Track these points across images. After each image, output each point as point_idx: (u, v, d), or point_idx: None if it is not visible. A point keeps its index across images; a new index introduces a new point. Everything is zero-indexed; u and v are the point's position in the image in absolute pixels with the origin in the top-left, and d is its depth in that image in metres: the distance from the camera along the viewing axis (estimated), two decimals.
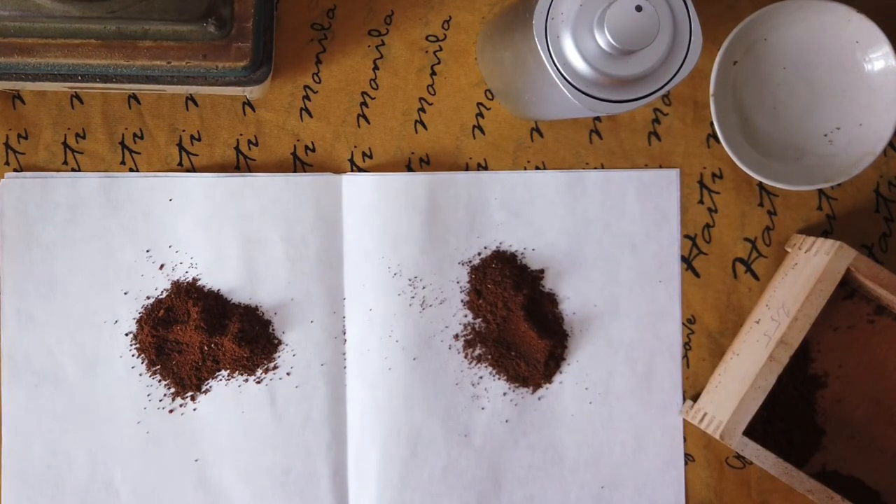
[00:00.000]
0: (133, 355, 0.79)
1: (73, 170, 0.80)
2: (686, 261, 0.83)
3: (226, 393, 0.79)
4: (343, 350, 0.80)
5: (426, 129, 0.82)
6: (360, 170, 0.81)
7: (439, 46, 0.82)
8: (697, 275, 0.83)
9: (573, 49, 0.62)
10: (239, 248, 0.80)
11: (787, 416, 0.81)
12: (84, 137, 0.80)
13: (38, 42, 0.68)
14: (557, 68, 0.63)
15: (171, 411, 0.79)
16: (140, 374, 0.79)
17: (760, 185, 0.83)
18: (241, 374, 0.79)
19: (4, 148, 0.79)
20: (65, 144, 0.80)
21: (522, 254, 0.82)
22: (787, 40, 0.82)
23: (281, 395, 0.79)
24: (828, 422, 0.82)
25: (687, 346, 0.83)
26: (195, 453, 0.79)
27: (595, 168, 0.82)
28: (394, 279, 0.80)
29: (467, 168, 0.82)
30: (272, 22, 0.73)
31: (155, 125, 0.80)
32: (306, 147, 0.81)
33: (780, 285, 0.80)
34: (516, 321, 0.80)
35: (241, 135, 0.81)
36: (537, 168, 0.82)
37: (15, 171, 0.79)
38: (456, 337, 0.81)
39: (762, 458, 0.75)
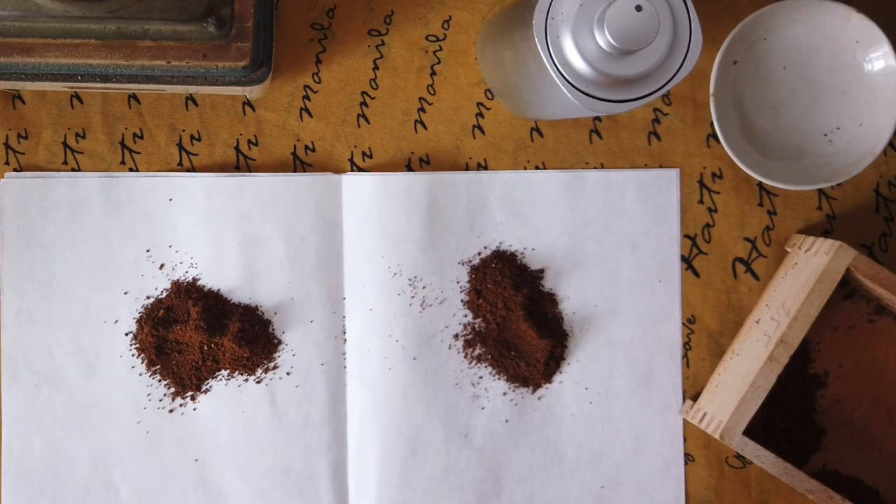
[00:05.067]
0: (133, 355, 0.79)
1: (73, 170, 0.80)
2: (686, 261, 0.83)
3: (226, 393, 0.79)
4: (343, 350, 0.80)
5: (426, 128, 0.82)
6: (360, 170, 0.81)
7: (439, 46, 0.82)
8: (697, 275, 0.83)
9: (573, 49, 0.62)
10: (239, 247, 0.80)
11: (787, 416, 0.81)
12: (84, 137, 0.80)
13: (38, 42, 0.68)
14: (557, 68, 0.63)
15: (171, 411, 0.79)
16: (140, 374, 0.79)
17: (760, 184, 0.83)
18: (241, 374, 0.79)
19: (4, 148, 0.79)
20: (65, 144, 0.80)
21: (522, 254, 0.82)
22: (787, 40, 0.82)
23: (281, 395, 0.79)
24: (828, 422, 0.82)
25: (687, 345, 0.83)
26: (195, 453, 0.79)
27: (595, 168, 0.82)
28: (394, 279, 0.80)
29: (467, 168, 0.82)
30: (272, 22, 0.72)
31: (155, 125, 0.80)
32: (306, 147, 0.81)
33: (780, 285, 0.80)
34: (516, 321, 0.80)
35: (241, 135, 0.81)
36: (537, 168, 0.82)
37: (15, 171, 0.79)
38: (456, 337, 0.81)
39: (762, 457, 0.75)
